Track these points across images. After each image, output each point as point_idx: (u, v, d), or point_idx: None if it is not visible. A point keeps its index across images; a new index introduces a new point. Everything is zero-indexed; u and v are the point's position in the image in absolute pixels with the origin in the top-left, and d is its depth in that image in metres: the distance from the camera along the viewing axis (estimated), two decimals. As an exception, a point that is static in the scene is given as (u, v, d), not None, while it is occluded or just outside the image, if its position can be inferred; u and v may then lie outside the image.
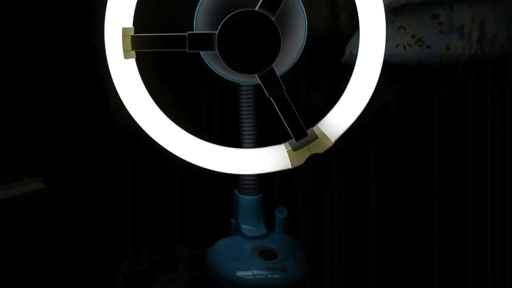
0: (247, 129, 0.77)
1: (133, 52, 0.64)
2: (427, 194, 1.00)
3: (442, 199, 1.00)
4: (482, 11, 0.97)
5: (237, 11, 0.61)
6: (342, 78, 1.11)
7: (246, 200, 0.81)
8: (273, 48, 0.62)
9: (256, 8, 0.61)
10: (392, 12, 1.03)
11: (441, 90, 1.04)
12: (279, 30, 0.61)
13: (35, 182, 1.06)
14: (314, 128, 0.67)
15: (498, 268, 0.84)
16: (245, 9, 0.61)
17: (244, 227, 0.81)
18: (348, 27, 1.35)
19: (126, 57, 0.63)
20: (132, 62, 0.65)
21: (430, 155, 1.04)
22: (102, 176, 1.08)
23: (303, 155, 0.67)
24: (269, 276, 0.74)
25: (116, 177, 1.05)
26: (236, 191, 0.83)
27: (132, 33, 0.64)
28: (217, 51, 0.62)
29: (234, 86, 0.74)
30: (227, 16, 0.61)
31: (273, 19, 0.61)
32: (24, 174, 1.07)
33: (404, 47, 1.01)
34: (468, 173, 1.00)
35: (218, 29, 0.61)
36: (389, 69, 1.03)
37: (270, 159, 0.68)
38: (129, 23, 0.64)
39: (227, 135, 0.74)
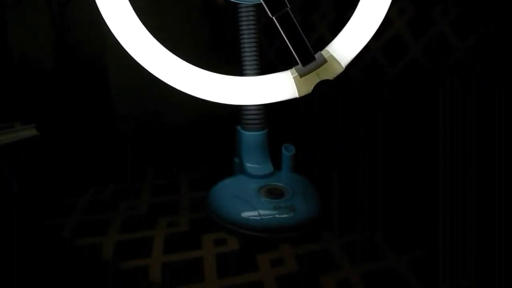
0: (249, 55, 0.70)
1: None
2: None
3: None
4: None
5: None
6: (352, 8, 1.04)
7: (250, 136, 0.75)
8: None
9: None
10: None
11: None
12: None
13: (28, 129, 1.01)
14: (323, 52, 0.61)
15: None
16: None
17: (248, 165, 0.76)
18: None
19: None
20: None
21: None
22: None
23: (311, 81, 0.60)
24: (276, 215, 0.68)
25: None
26: (238, 127, 0.77)
27: None
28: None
29: (234, 6, 0.67)
30: None
31: None
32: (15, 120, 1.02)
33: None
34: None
35: None
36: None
37: (275, 87, 0.61)
38: None
39: (226, 62, 0.67)
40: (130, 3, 0.59)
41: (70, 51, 1.15)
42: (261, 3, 0.57)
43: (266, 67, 1.01)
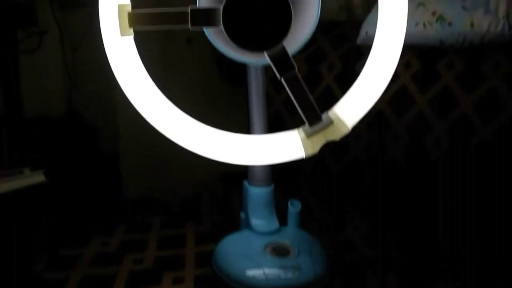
0: (257, 114, 0.71)
1: (131, 30, 0.58)
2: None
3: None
4: (510, -18, 0.90)
5: (244, -18, 0.55)
6: (357, 60, 1.06)
7: (257, 192, 0.75)
8: (284, 23, 0.55)
9: (265, -21, 0.55)
10: (411, -13, 0.96)
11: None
12: (291, 4, 0.55)
13: (37, 175, 1.02)
14: (330, 113, 0.61)
15: None
16: (252, -20, 0.55)
17: (254, 221, 0.75)
18: (361, 8, 1.29)
19: (123, 34, 0.57)
20: (130, 40, 0.58)
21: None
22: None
23: (318, 142, 0.61)
24: (282, 275, 0.68)
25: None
26: (245, 182, 0.77)
27: (129, 10, 0.57)
28: (222, 27, 0.56)
29: (242, 67, 0.68)
30: (233, -12, 0.55)
31: (284, -10, 0.55)
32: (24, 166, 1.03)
33: (424, 26, 0.94)
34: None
35: (223, 2, 0.55)
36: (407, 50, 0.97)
37: (282, 147, 0.62)
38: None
39: (234, 120, 0.68)
40: (142, 58, 0.60)
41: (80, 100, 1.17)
42: (270, 64, 0.58)
43: (273, 116, 1.02)
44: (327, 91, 1.07)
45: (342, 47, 1.11)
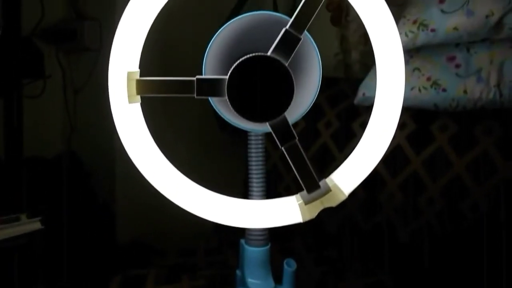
0: (256, 179, 0.73)
1: (138, 97, 0.60)
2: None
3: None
4: (500, 53, 0.94)
5: (248, 55, 0.57)
6: (354, 119, 1.09)
7: (253, 251, 0.76)
8: (286, 95, 0.58)
9: (269, 53, 0.58)
10: (407, 53, 1.00)
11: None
12: (293, 77, 0.57)
13: (34, 222, 1.03)
14: (327, 180, 0.63)
15: None
16: (257, 53, 0.57)
17: (250, 280, 0.76)
18: (359, 65, 1.33)
19: (130, 101, 0.60)
20: (137, 106, 0.61)
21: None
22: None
23: (316, 208, 0.62)
24: (276, 338, 0.68)
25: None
26: (242, 241, 0.78)
27: (138, 77, 0.60)
28: (226, 98, 0.58)
29: (244, 133, 0.70)
30: (238, 61, 0.57)
31: (286, 64, 0.58)
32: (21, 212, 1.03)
33: (420, 90, 0.98)
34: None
35: (228, 74, 0.58)
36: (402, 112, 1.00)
37: (280, 212, 0.64)
38: (134, 66, 0.61)
39: (234, 185, 0.70)
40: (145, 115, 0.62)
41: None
42: (270, 132, 0.60)
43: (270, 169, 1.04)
44: (324, 148, 1.09)
45: (340, 105, 1.14)
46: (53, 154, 1.38)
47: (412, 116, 1.04)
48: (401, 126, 1.04)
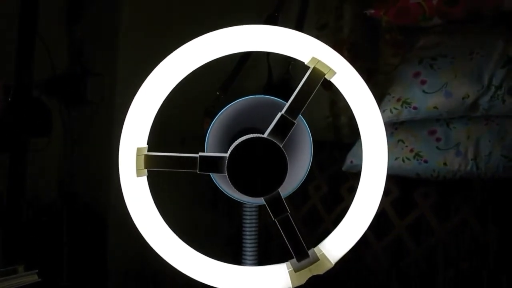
0: (250, 247, 0.78)
1: (145, 171, 0.66)
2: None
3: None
4: (476, 130, 1.02)
5: (247, 137, 0.64)
6: (341, 184, 1.15)
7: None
8: (280, 173, 0.64)
9: (266, 135, 0.64)
10: (392, 126, 1.07)
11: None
12: (287, 157, 0.64)
13: (30, 275, 1.05)
14: (315, 249, 0.68)
15: None
16: (255, 135, 0.64)
17: None
18: (348, 128, 1.40)
19: (138, 175, 0.65)
20: (143, 180, 0.67)
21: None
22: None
23: (304, 276, 0.68)
24: None
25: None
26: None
27: (146, 152, 0.66)
28: (226, 174, 0.64)
29: (239, 205, 0.76)
30: (237, 141, 0.64)
31: (281, 146, 0.64)
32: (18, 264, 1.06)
33: (403, 160, 1.05)
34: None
35: (228, 153, 0.64)
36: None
37: (272, 278, 0.69)
38: (143, 142, 0.67)
39: (229, 251, 0.75)
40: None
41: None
42: (264, 205, 0.66)
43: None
44: (313, 210, 1.15)
45: (329, 170, 1.21)
46: (49, 199, 1.40)
47: (396, 183, 1.10)
48: (386, 192, 1.11)
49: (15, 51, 1.13)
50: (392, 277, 1.06)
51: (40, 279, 1.03)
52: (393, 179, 1.09)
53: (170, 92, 0.67)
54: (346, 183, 1.15)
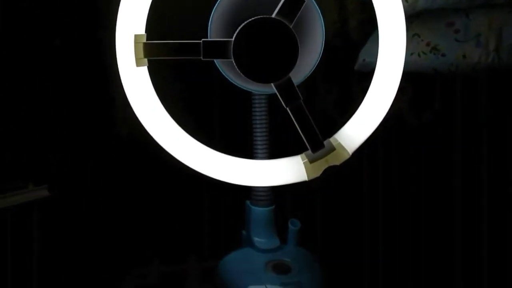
0: (260, 140, 0.75)
1: (145, 60, 0.61)
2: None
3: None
4: (499, 18, 0.95)
5: (253, 18, 0.59)
6: (354, 85, 1.10)
7: (259, 211, 0.79)
8: (291, 56, 0.59)
9: (273, 15, 0.59)
10: (407, 19, 1.00)
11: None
12: (297, 38, 0.59)
13: (40, 190, 1.04)
14: (331, 140, 0.65)
15: None
16: (261, 16, 0.59)
17: (256, 239, 0.79)
18: (357, 32, 1.33)
19: (138, 65, 0.61)
20: (144, 70, 0.62)
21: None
22: (110, 185, 1.05)
23: (320, 167, 0.65)
24: (283, 291, 0.71)
25: (124, 186, 1.03)
26: (248, 202, 0.81)
27: (145, 40, 0.61)
28: (232, 60, 0.60)
29: (248, 94, 0.72)
30: (243, 23, 0.59)
31: (290, 26, 0.59)
32: (28, 180, 1.04)
33: (419, 55, 0.99)
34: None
35: (234, 36, 0.59)
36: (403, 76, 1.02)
37: (286, 171, 0.66)
38: (141, 30, 0.62)
39: (240, 145, 0.71)
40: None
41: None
42: (275, 93, 0.62)
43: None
44: (325, 114, 1.11)
45: (339, 72, 1.15)
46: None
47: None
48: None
49: None
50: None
51: (50, 194, 1.02)
52: (408, 76, 1.04)
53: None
54: (359, 84, 1.10)
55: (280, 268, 0.75)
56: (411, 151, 1.05)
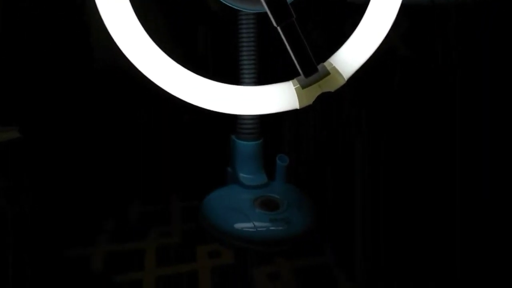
0: (248, 64, 0.69)
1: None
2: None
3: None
4: None
5: None
6: (347, 19, 1.04)
7: (245, 146, 0.74)
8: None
9: None
10: None
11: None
12: None
13: (10, 131, 0.98)
14: (326, 64, 0.60)
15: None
16: None
17: (242, 175, 0.75)
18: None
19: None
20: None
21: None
22: (85, 121, 0.99)
23: (313, 93, 0.59)
24: (271, 228, 0.67)
25: (100, 122, 0.97)
26: (233, 136, 0.76)
27: None
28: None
29: (234, 13, 0.65)
30: None
31: None
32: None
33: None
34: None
35: None
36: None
37: (275, 98, 0.60)
38: None
39: (225, 71, 0.65)
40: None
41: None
42: (264, 12, 0.56)
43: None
44: (315, 49, 1.05)
45: (329, 5, 1.08)
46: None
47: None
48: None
49: None
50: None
51: (21, 135, 0.96)
52: (403, 9, 0.98)
53: None
54: (352, 18, 1.03)
55: (268, 205, 0.71)
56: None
